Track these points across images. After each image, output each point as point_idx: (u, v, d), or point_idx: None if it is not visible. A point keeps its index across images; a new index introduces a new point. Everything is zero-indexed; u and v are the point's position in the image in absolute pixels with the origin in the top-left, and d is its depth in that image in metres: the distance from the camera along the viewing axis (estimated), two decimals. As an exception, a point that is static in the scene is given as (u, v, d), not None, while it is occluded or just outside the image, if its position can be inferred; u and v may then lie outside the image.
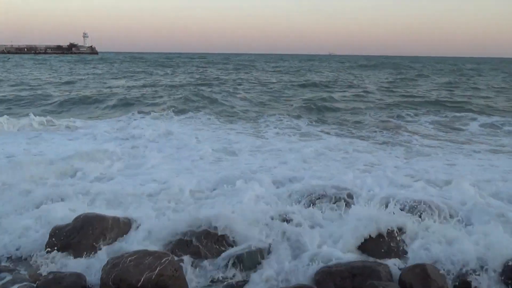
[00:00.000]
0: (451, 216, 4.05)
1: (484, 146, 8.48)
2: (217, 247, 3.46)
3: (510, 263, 2.92)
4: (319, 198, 4.46)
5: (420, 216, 3.88)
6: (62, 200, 4.36)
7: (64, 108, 13.84)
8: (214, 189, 5.06)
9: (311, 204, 4.37)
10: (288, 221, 3.86)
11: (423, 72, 40.85)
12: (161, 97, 16.63)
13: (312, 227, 3.85)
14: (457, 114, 13.31)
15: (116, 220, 3.65)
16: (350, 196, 4.51)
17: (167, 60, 66.00)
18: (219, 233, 3.51)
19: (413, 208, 4.07)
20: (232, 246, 3.47)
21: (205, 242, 3.44)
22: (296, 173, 5.76)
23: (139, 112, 11.93)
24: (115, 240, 3.54)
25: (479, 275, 2.93)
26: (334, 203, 4.37)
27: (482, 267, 2.99)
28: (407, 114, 13.06)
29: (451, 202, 4.38)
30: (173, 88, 20.44)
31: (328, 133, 9.93)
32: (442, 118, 12.63)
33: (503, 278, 2.88)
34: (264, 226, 3.72)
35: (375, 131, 10.18)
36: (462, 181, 5.01)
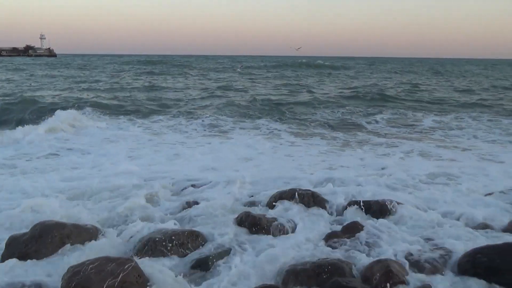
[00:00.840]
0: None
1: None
2: (183, 250, 3.42)
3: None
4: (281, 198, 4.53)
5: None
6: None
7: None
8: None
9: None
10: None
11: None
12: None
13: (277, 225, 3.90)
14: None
15: (76, 227, 3.54)
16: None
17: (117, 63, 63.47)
18: (185, 235, 3.49)
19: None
20: (198, 247, 3.47)
21: (170, 245, 3.40)
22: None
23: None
24: (76, 248, 3.44)
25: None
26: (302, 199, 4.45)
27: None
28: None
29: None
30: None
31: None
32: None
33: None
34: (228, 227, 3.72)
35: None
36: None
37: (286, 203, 4.47)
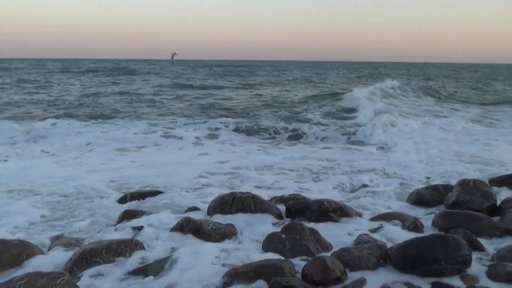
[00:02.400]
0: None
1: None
2: (121, 260, 3.31)
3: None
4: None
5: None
6: None
7: None
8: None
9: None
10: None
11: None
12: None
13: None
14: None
15: (3, 242, 3.33)
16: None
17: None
18: (123, 244, 3.39)
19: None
20: (137, 256, 3.38)
21: (107, 255, 3.28)
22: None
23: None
24: (6, 265, 3.23)
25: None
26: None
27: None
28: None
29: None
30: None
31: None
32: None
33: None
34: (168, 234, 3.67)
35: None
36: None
37: (228, 207, 4.48)
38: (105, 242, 3.41)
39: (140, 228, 4.19)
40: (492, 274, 3.07)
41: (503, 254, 3.34)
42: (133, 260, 3.33)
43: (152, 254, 3.51)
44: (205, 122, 13.97)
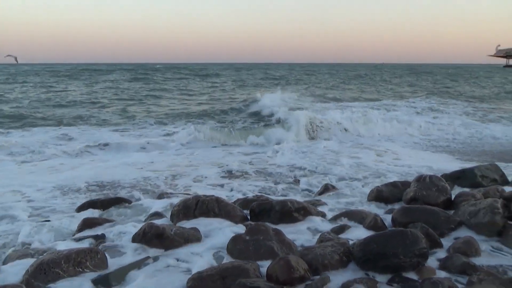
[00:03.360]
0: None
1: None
2: (81, 269, 3.22)
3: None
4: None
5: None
6: None
7: None
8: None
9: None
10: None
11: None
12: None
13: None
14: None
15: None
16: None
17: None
18: (83, 253, 3.29)
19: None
20: (98, 265, 3.29)
21: (66, 265, 3.18)
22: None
23: None
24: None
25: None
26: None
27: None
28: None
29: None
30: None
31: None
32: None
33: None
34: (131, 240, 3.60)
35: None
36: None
37: (192, 211, 4.44)
38: (64, 252, 3.30)
39: (101, 237, 4.09)
40: (448, 266, 3.21)
41: (458, 246, 3.49)
42: (94, 270, 3.24)
43: (114, 262, 3.44)
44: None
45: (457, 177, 5.53)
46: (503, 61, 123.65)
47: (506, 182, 5.55)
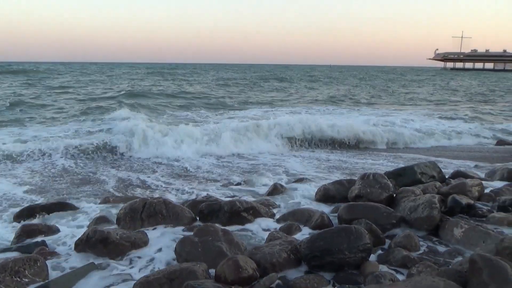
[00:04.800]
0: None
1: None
2: (19, 279, 3.05)
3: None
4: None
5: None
6: None
7: None
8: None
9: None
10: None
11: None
12: None
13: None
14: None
15: None
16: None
17: None
18: (21, 262, 3.12)
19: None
20: (38, 274, 3.13)
21: (2, 275, 2.99)
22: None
23: None
24: None
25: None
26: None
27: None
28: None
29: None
30: None
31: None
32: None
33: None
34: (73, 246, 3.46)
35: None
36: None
37: (139, 214, 4.34)
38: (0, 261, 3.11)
39: (41, 244, 3.90)
40: (389, 260, 3.34)
41: (398, 240, 3.65)
42: (34, 278, 3.08)
43: (56, 270, 3.30)
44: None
45: (398, 175, 5.77)
46: (441, 64, 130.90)
47: (443, 178, 5.86)
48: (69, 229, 4.47)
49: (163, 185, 7.17)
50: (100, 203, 5.61)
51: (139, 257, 3.67)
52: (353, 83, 46.83)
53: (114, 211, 5.01)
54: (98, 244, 3.61)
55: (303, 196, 5.80)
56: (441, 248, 3.66)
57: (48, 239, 4.03)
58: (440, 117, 17.66)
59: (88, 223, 4.70)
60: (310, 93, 31.15)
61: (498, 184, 5.61)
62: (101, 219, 4.63)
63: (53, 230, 4.36)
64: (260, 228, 4.38)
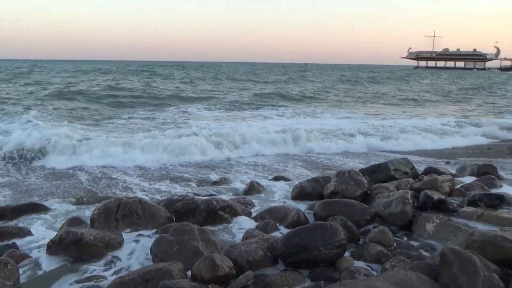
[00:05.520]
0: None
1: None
2: (-12, 283, 2.97)
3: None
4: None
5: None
6: None
7: None
8: None
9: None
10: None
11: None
12: None
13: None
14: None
15: None
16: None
17: None
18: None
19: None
20: (9, 277, 3.05)
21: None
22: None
23: None
24: None
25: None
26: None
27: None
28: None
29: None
30: None
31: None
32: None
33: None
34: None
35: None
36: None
37: (113, 214, 4.28)
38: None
39: (11, 246, 3.80)
40: (364, 255, 3.40)
41: (373, 236, 3.71)
42: (4, 282, 3.00)
43: (27, 273, 3.22)
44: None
45: (373, 171, 5.86)
46: (414, 62, 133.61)
47: (416, 174, 5.99)
48: (41, 231, 4.38)
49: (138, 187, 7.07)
50: (73, 204, 5.50)
51: (114, 258, 3.62)
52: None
53: (88, 212, 4.93)
54: (71, 245, 3.53)
55: (280, 194, 5.84)
56: (414, 243, 3.74)
57: (19, 242, 3.93)
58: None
59: (60, 224, 4.60)
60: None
61: (468, 179, 5.77)
62: (75, 220, 4.54)
63: (24, 232, 4.25)
64: (237, 227, 4.38)
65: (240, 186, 6.66)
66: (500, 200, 4.31)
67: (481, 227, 3.71)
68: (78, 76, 43.80)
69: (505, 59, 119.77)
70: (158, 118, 15.81)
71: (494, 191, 4.93)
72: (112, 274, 3.35)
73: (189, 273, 3.09)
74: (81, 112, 17.30)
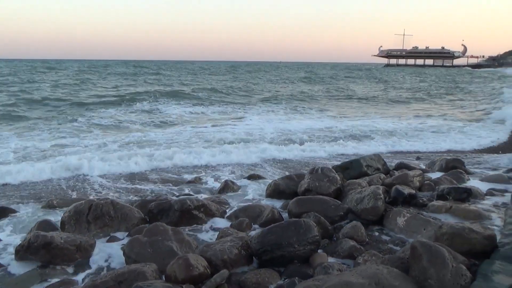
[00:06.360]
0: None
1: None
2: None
3: (256, 237, 3.39)
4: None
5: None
6: None
7: None
8: None
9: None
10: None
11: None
12: None
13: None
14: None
15: None
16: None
17: None
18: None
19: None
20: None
21: None
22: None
23: None
24: None
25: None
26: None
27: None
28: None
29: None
30: None
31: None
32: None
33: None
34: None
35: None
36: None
37: (84, 216, 4.19)
38: None
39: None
40: (337, 250, 3.44)
41: (346, 231, 3.77)
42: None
43: (-6, 278, 3.11)
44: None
45: (346, 168, 5.94)
46: (384, 60, 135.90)
47: (387, 170, 6.10)
48: (9, 236, 4.24)
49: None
50: (43, 207, 5.35)
51: (86, 261, 3.55)
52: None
53: (58, 215, 4.80)
54: (41, 249, 3.44)
55: (254, 192, 5.84)
56: (386, 237, 3.82)
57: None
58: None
59: (29, 228, 4.47)
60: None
61: (438, 174, 5.92)
62: (44, 224, 4.40)
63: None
64: (212, 226, 4.36)
65: (215, 185, 6.63)
66: (467, 194, 4.45)
67: (449, 220, 3.82)
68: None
69: (472, 56, 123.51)
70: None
71: (462, 185, 5.07)
72: (84, 278, 3.30)
73: (164, 274, 3.06)
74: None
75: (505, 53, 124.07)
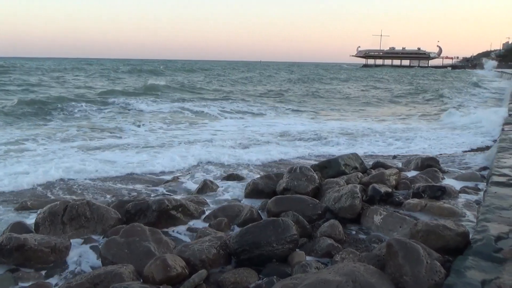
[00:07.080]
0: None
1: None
2: None
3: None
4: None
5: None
6: None
7: None
8: None
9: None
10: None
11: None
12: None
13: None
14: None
15: None
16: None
17: None
18: None
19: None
20: None
21: None
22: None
23: None
24: None
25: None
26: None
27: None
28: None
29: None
30: None
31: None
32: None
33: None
34: None
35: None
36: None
37: (59, 217, 4.10)
38: None
39: None
40: (315, 249, 3.47)
41: (324, 230, 3.79)
42: None
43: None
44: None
45: (324, 167, 5.98)
46: (362, 60, 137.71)
47: (365, 169, 6.18)
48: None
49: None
50: (16, 209, 5.22)
51: (61, 264, 3.49)
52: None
53: (32, 217, 4.69)
54: (14, 252, 3.36)
55: (233, 192, 5.82)
56: (363, 235, 3.87)
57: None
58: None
59: (2, 230, 4.35)
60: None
61: (413, 173, 6.03)
62: (18, 226, 4.28)
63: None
64: (190, 226, 4.33)
65: (193, 185, 6.58)
66: (442, 192, 4.55)
67: (424, 217, 3.90)
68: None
69: (447, 57, 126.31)
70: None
71: (437, 183, 5.18)
72: (59, 281, 3.23)
73: (141, 275, 3.03)
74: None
75: (478, 54, 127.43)
